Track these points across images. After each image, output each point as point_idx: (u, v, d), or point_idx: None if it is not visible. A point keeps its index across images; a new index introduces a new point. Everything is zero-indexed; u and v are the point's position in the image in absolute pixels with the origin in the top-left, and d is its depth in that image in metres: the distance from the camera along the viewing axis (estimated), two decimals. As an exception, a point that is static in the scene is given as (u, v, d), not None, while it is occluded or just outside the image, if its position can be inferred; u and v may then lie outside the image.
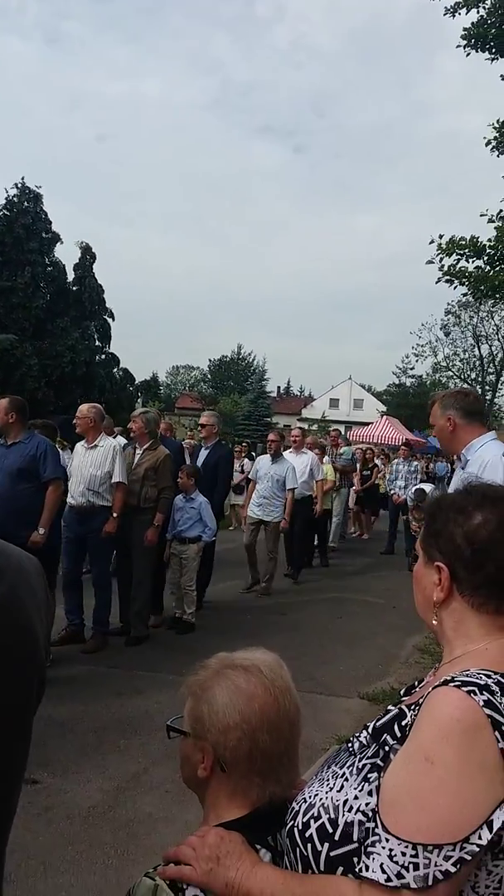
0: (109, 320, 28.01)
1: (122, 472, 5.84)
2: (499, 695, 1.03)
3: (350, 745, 1.23)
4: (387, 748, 1.13)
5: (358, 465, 13.18)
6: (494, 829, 0.95)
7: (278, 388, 69.75)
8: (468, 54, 12.01)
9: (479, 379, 50.06)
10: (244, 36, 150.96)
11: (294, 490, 8.35)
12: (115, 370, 27.70)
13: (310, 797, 1.15)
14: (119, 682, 4.97)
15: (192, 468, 6.56)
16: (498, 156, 12.01)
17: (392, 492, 11.70)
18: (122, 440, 8.12)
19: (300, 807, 1.14)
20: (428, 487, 10.79)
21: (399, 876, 0.95)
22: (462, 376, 50.73)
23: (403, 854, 0.96)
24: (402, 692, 1.40)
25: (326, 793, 1.13)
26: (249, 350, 66.43)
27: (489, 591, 1.18)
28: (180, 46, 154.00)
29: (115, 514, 5.78)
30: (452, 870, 0.94)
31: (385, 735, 1.16)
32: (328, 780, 1.16)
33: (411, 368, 51.80)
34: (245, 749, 1.19)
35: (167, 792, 3.44)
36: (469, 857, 0.95)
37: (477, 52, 11.97)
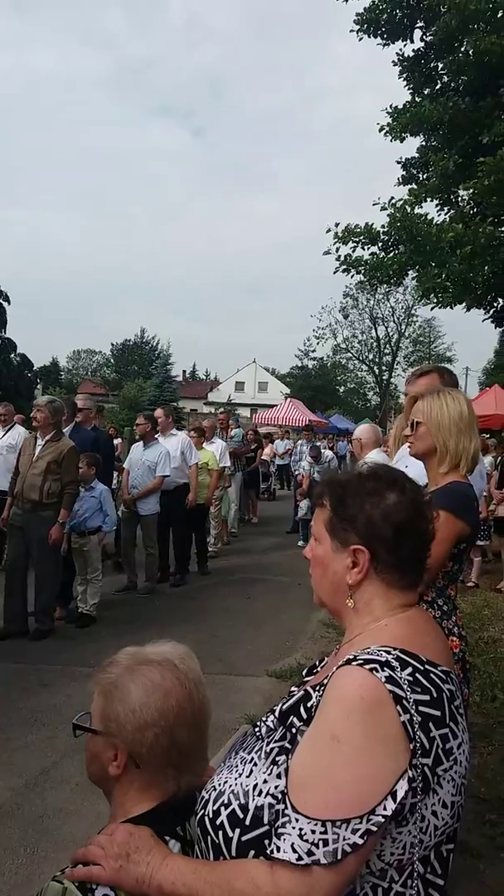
0: (4, 304, 26.90)
1: None
2: (399, 670, 1.07)
3: (257, 729, 1.24)
4: (294, 730, 1.15)
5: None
6: (398, 799, 0.99)
7: (184, 372, 69.23)
8: (360, 39, 12.20)
9: (377, 360, 51.68)
10: (138, 10, 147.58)
11: (163, 478, 7.43)
12: (13, 356, 26.67)
13: (219, 784, 1.16)
14: (24, 678, 4.82)
15: (93, 457, 6.30)
16: (391, 140, 12.29)
17: (297, 472, 11.91)
18: (21, 430, 7.84)
19: (210, 795, 1.15)
20: (324, 450, 11.11)
21: (309, 853, 0.98)
22: (361, 357, 52.20)
23: (313, 832, 0.99)
24: (304, 672, 1.42)
25: (236, 779, 1.14)
26: (153, 334, 65.49)
27: (405, 568, 1.22)
28: (72, 18, 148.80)
29: None
30: (360, 842, 0.98)
31: (292, 717, 1.18)
32: (237, 766, 1.18)
33: (313, 351, 52.86)
34: (163, 745, 1.18)
35: (77, 785, 3.39)
36: (375, 829, 0.98)
37: (369, 37, 12.17)
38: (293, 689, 1.32)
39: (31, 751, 3.81)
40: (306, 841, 0.99)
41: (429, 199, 12.06)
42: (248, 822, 1.08)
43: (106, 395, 44.99)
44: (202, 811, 1.15)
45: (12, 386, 23.51)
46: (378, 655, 1.09)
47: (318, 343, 51.06)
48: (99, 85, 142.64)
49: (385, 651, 1.10)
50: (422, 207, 11.90)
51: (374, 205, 11.70)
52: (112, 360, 69.34)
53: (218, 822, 1.11)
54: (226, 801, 1.12)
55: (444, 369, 3.17)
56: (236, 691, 4.67)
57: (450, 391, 2.46)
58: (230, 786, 1.14)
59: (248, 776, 1.13)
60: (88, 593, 6.24)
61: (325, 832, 0.98)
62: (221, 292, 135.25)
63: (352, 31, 12.06)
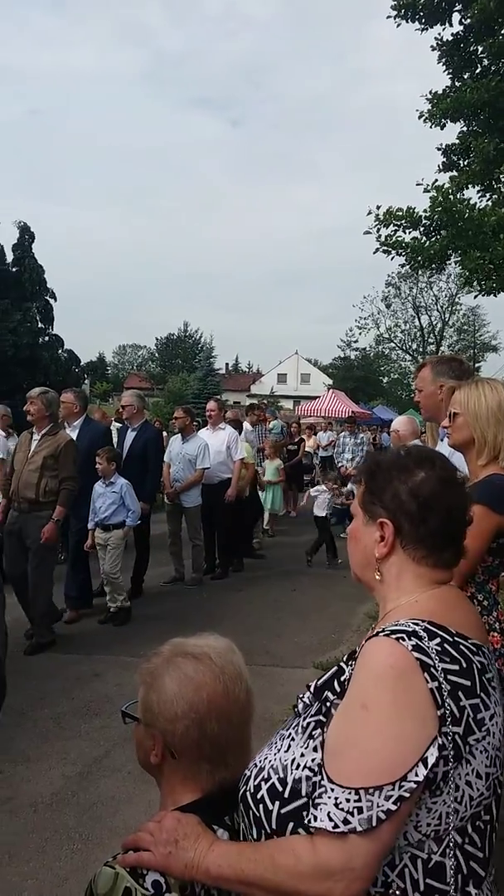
0: (52, 301, 27.29)
1: None
2: (426, 639, 1.10)
3: (295, 707, 1.28)
4: (328, 704, 1.19)
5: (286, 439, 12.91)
6: (429, 766, 1.02)
7: (227, 364, 69.67)
8: (398, 25, 12.03)
9: (421, 349, 50.88)
10: (175, 2, 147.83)
11: (203, 470, 7.45)
12: (60, 352, 27.07)
13: (259, 761, 1.20)
14: (77, 668, 4.97)
15: (112, 451, 6.24)
16: (431, 127, 12.12)
17: (340, 464, 11.90)
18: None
19: (251, 772, 1.20)
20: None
21: (345, 822, 1.01)
22: (404, 347, 51.49)
23: (348, 800, 1.02)
24: (344, 659, 1.46)
25: (275, 755, 1.18)
26: (196, 327, 66.00)
27: (432, 543, 1.24)
28: (109, 15, 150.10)
29: None
30: (393, 808, 1.00)
31: (326, 692, 1.22)
32: (276, 742, 1.22)
33: (355, 341, 52.26)
34: (193, 737, 1.21)
35: (129, 773, 3.48)
36: (408, 795, 1.01)
37: (407, 22, 11.99)
38: None
39: (84, 740, 3.93)
40: (341, 809, 1.02)
41: (470, 186, 11.84)
42: (286, 795, 1.12)
43: (151, 389, 45.54)
44: (244, 787, 1.19)
45: (60, 381, 23.84)
46: (405, 626, 1.13)
47: (360, 333, 50.59)
48: (137, 79, 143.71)
49: (413, 623, 1.14)
50: (463, 194, 11.71)
51: (417, 185, 11.56)
52: (157, 355, 70.02)
53: (259, 796, 1.15)
54: (266, 776, 1.16)
55: (442, 359, 3.11)
56: (283, 683, 4.71)
57: (489, 380, 2.42)
58: (269, 761, 1.18)
59: (286, 751, 1.17)
60: (114, 591, 6.19)
61: (360, 800, 1.01)
62: (262, 284, 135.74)
63: (389, 16, 11.91)
